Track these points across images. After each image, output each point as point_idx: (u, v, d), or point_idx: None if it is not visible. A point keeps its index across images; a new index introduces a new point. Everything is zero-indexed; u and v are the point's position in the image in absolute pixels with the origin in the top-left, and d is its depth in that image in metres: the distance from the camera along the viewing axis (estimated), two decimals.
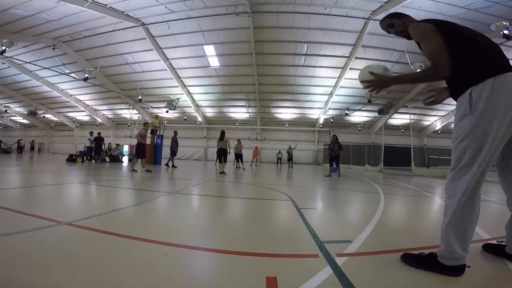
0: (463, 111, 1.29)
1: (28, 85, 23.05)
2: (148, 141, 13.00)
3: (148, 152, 12.30)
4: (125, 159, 15.43)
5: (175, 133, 11.73)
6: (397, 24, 1.65)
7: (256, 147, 18.78)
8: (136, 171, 7.27)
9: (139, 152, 7.74)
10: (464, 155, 1.28)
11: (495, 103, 1.20)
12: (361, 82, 1.66)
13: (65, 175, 5.94)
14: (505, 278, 1.32)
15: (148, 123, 8.60)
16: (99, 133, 12.67)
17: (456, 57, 1.32)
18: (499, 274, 1.36)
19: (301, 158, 24.20)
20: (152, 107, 22.98)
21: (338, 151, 9.21)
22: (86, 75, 14.79)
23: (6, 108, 26.65)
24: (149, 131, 13.20)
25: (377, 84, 1.58)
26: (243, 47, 16.88)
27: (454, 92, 1.40)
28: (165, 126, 15.22)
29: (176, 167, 10.61)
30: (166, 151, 11.77)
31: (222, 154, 8.18)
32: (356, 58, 16.72)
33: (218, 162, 8.50)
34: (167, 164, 10.74)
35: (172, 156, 11.10)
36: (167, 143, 11.79)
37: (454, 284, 1.22)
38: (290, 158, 16.27)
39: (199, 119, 25.22)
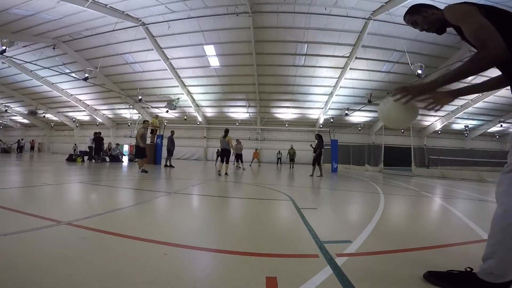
0: None
1: (28, 84, 23.06)
2: (148, 141, 13.06)
3: (148, 152, 12.36)
4: (125, 159, 15.44)
5: (172, 133, 11.81)
6: (420, 21, 1.39)
7: (256, 149, 19.25)
8: (147, 171, 7.10)
9: (139, 153, 7.45)
10: None
11: None
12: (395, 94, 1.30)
13: (65, 175, 5.93)
14: None
15: (147, 121, 8.20)
16: (99, 133, 12.69)
17: None
18: None
19: (302, 158, 24.19)
20: (152, 107, 22.99)
21: (317, 150, 8.89)
22: (86, 75, 14.79)
23: (6, 108, 26.66)
24: (149, 130, 13.27)
25: (411, 91, 1.26)
26: (243, 47, 16.88)
27: None
28: (165, 126, 15.23)
29: (173, 166, 10.63)
30: (165, 151, 11.79)
31: (225, 155, 7.90)
32: (356, 58, 16.72)
33: (219, 162, 8.23)
34: (166, 165, 10.77)
35: (169, 156, 11.14)
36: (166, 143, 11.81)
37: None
38: (292, 159, 16.22)
39: (199, 119, 25.21)
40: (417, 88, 1.26)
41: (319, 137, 9.03)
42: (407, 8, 1.44)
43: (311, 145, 9.78)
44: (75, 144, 24.95)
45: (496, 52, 1.05)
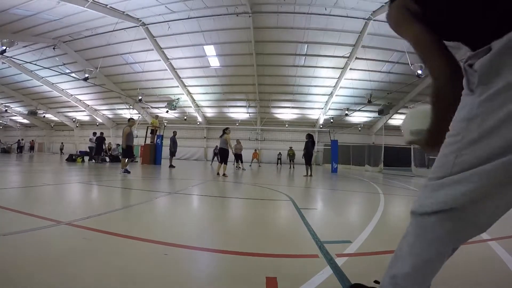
0: None
1: (28, 85, 23.05)
2: (148, 141, 13.07)
3: (147, 152, 12.37)
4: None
5: (174, 133, 11.81)
6: None
7: (255, 150, 19.60)
8: (129, 172, 6.81)
9: (126, 152, 7.26)
10: None
11: None
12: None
13: (65, 175, 5.93)
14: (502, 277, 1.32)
15: (133, 119, 7.93)
16: (101, 133, 12.70)
17: None
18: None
19: (302, 159, 24.20)
20: (152, 107, 22.98)
21: (304, 151, 8.98)
22: (86, 75, 14.80)
23: (6, 108, 26.66)
24: (149, 130, 13.29)
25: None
26: (243, 47, 16.88)
27: None
28: (165, 126, 15.23)
29: (174, 166, 10.63)
30: (166, 151, 11.81)
31: (220, 154, 7.52)
32: (357, 58, 16.72)
33: (216, 162, 7.90)
34: (171, 165, 10.76)
35: (171, 156, 11.20)
36: (167, 143, 11.82)
37: (455, 282, 1.22)
38: (291, 159, 16.28)
39: (199, 119, 25.21)
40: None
41: (308, 136, 9.12)
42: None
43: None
44: (62, 143, 25.17)
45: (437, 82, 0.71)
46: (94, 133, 12.81)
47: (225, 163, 7.48)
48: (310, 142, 8.99)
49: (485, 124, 0.62)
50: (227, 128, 7.74)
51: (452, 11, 0.70)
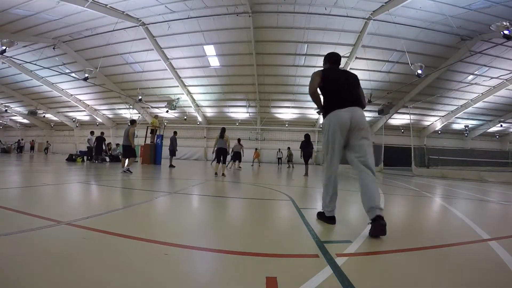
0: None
1: (28, 85, 23.07)
2: (148, 141, 13.07)
3: (147, 152, 12.37)
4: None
5: (175, 133, 11.80)
6: None
7: (256, 149, 19.76)
8: (131, 172, 6.82)
9: (129, 152, 7.33)
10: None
11: None
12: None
13: (64, 175, 5.93)
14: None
15: (135, 120, 8.06)
16: (102, 133, 12.69)
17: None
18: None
19: (300, 159, 24.18)
20: (152, 107, 22.99)
21: (302, 150, 9.27)
22: (86, 75, 14.79)
23: (6, 108, 26.67)
24: (149, 130, 13.29)
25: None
26: (243, 47, 16.89)
27: None
28: (165, 126, 15.24)
29: (174, 166, 10.62)
30: (166, 151, 11.82)
31: (221, 154, 7.61)
32: (357, 58, 16.72)
33: (215, 162, 7.88)
34: (171, 165, 10.76)
35: (171, 156, 11.21)
36: (167, 142, 11.83)
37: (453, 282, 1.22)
38: (290, 160, 16.28)
39: (199, 119, 25.21)
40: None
41: (305, 136, 9.44)
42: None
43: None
44: (47, 142, 25.28)
45: (310, 91, 2.34)
46: (92, 132, 12.79)
47: (224, 163, 7.67)
48: (304, 142, 9.23)
49: (328, 143, 2.29)
50: (225, 129, 7.92)
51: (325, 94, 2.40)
